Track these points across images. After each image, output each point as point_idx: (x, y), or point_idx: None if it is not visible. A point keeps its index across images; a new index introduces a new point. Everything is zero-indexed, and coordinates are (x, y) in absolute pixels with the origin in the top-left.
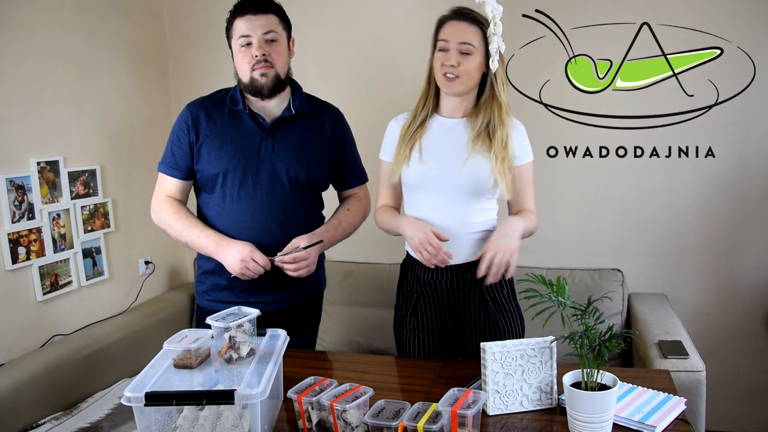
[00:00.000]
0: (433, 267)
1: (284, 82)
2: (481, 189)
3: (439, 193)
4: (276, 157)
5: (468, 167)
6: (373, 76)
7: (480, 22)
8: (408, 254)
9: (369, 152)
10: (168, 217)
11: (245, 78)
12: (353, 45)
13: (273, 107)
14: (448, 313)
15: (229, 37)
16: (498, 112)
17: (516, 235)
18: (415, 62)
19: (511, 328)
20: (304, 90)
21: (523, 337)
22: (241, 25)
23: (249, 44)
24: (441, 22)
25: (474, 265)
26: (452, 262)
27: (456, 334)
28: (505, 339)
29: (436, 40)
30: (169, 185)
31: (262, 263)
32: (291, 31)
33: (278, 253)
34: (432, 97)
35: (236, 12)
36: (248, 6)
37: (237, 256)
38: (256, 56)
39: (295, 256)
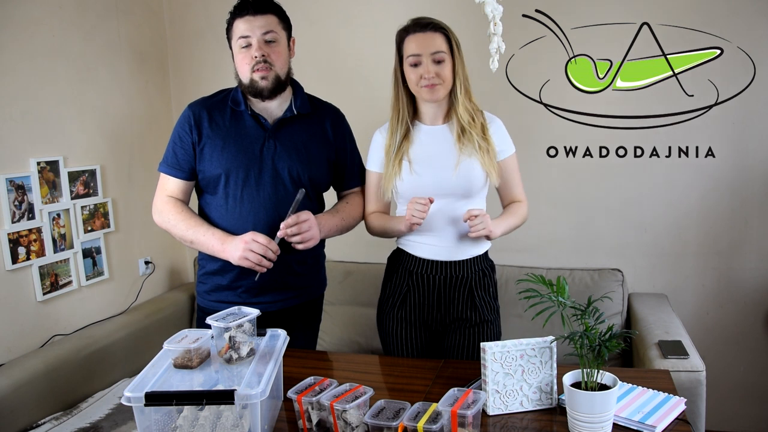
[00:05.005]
0: (421, 220)
1: (285, 83)
2: (473, 189)
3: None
4: (278, 158)
5: (459, 170)
6: (373, 76)
7: (443, 28)
8: (398, 248)
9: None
10: (172, 217)
11: (245, 79)
12: (353, 45)
13: (275, 108)
14: (436, 308)
15: (229, 38)
16: (464, 110)
17: (497, 231)
18: None
19: (495, 323)
20: (307, 90)
21: (501, 334)
22: (240, 26)
23: (248, 45)
24: (403, 36)
25: (465, 263)
26: (446, 259)
27: (440, 328)
28: (490, 332)
29: (401, 54)
30: (171, 185)
31: (264, 241)
32: (291, 31)
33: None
34: (407, 108)
35: (236, 13)
36: (247, 7)
37: (239, 243)
38: (256, 57)
39: (288, 223)
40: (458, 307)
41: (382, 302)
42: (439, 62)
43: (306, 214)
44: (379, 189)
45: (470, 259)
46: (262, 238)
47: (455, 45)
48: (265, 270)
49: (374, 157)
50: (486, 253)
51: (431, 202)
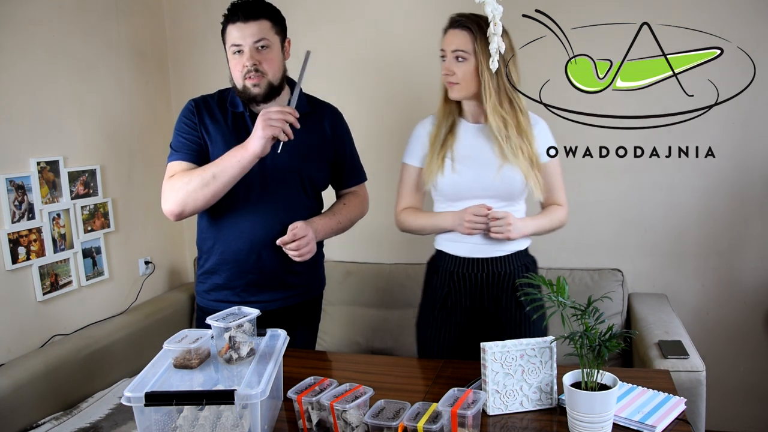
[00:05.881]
0: (480, 232)
1: (279, 88)
2: (513, 194)
3: (473, 200)
4: (278, 157)
5: (502, 174)
6: (374, 76)
7: (469, 28)
8: (437, 250)
9: (369, 152)
10: (183, 179)
11: (239, 85)
12: (354, 44)
13: None
14: (478, 308)
15: (223, 41)
16: (494, 114)
17: (522, 231)
18: (416, 61)
19: (539, 319)
20: (305, 89)
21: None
22: (233, 33)
23: (240, 52)
24: (444, 32)
25: (507, 259)
26: (487, 256)
27: (483, 328)
28: (536, 330)
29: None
30: (179, 169)
31: (278, 108)
32: (286, 33)
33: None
34: (453, 104)
35: (228, 18)
36: (238, 13)
37: (257, 126)
38: (247, 66)
39: (284, 240)
40: (503, 305)
41: (422, 306)
42: (460, 60)
43: (304, 230)
44: (416, 183)
45: (512, 254)
46: (273, 109)
47: (483, 45)
48: (286, 138)
49: (414, 150)
50: (527, 249)
51: (489, 210)
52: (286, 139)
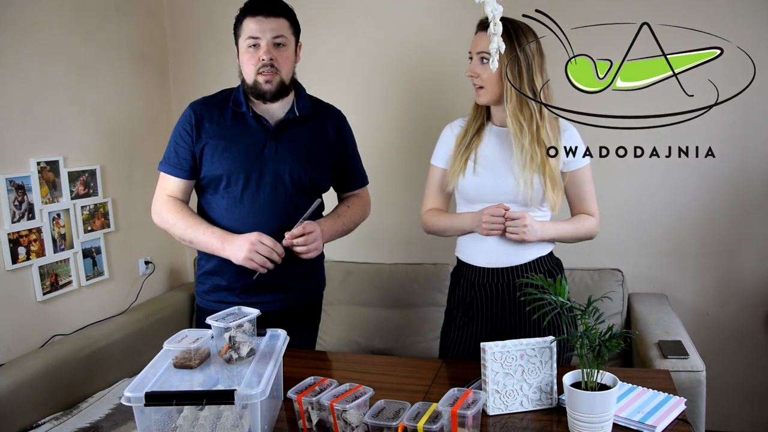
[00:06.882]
0: (498, 232)
1: (288, 88)
2: (532, 201)
3: (492, 204)
4: (279, 160)
5: (522, 180)
6: (376, 78)
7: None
8: (459, 260)
9: (369, 153)
10: (171, 216)
11: (249, 80)
12: (353, 45)
13: (276, 109)
14: (500, 319)
15: (236, 35)
16: (513, 118)
17: (541, 234)
18: (421, 62)
19: (561, 326)
20: (311, 92)
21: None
22: (250, 26)
23: (256, 46)
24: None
25: (528, 266)
26: (506, 265)
27: (504, 337)
28: (563, 341)
29: None
30: (171, 185)
31: (271, 243)
32: (299, 36)
33: (286, 233)
34: (483, 106)
35: (247, 11)
36: (260, 7)
37: (244, 244)
38: (263, 60)
39: (294, 233)
40: (526, 314)
41: (446, 313)
42: (485, 62)
43: (313, 226)
44: (441, 185)
45: (532, 261)
46: (268, 240)
47: (508, 48)
48: (266, 271)
49: (440, 152)
50: (551, 252)
51: (506, 210)
52: (265, 271)
